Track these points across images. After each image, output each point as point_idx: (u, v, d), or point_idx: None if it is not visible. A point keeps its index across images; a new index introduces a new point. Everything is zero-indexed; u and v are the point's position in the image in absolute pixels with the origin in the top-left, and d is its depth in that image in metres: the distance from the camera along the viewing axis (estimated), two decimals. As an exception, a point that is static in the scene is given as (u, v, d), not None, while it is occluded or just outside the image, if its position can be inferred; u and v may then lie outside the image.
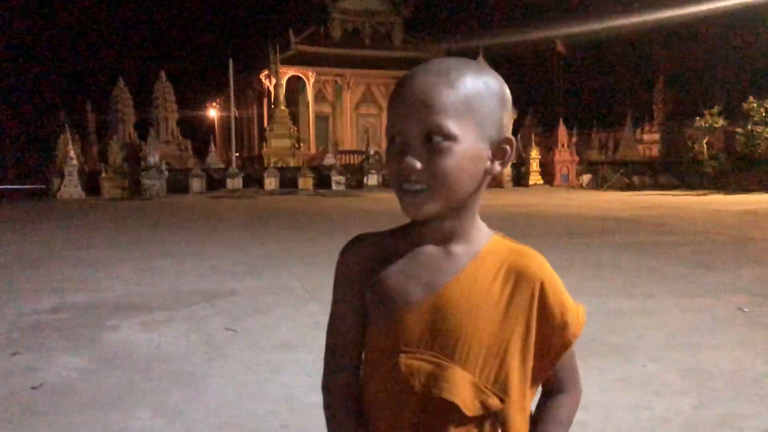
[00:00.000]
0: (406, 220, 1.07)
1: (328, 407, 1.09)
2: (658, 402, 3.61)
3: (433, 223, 1.01)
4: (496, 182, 32.92)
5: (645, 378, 4.02)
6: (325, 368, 1.12)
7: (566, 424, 1.10)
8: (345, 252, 1.09)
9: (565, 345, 1.05)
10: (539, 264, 1.03)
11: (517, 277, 1.01)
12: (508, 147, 1.01)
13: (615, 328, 5.18)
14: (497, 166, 1.00)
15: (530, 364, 1.03)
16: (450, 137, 0.95)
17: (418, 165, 0.95)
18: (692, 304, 5.98)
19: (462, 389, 0.97)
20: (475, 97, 0.96)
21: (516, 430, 1.02)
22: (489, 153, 0.99)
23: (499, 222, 14.70)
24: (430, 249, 1.02)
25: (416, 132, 0.95)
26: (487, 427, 1.00)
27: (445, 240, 1.02)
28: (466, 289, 1.00)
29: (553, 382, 1.11)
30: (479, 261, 1.02)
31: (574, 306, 1.06)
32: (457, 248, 1.02)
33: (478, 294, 1.00)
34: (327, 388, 1.10)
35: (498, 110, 0.99)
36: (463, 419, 0.98)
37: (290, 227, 13.71)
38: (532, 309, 1.01)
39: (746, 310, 5.70)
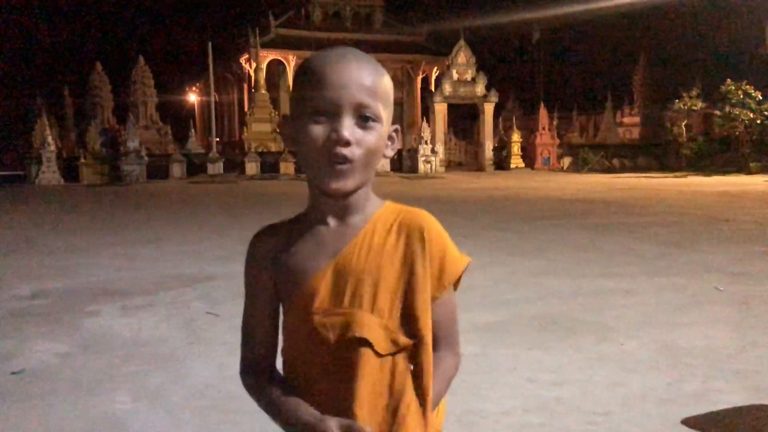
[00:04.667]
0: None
1: (267, 401, 1.12)
2: (634, 379, 3.68)
3: (336, 199, 1.09)
4: (478, 166, 32.59)
5: (622, 355, 4.09)
6: (243, 363, 1.18)
7: (446, 380, 1.16)
8: (252, 244, 1.16)
9: (440, 288, 1.12)
10: (424, 217, 1.13)
11: (408, 229, 1.11)
12: (394, 134, 1.13)
13: (593, 307, 5.25)
14: (389, 150, 1.12)
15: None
16: (378, 119, 1.06)
17: (352, 138, 1.03)
18: (668, 284, 6.07)
19: (373, 330, 1.05)
20: (390, 88, 1.10)
21: (428, 363, 1.09)
22: (386, 138, 1.11)
23: (480, 205, 14.74)
24: (331, 222, 1.12)
25: (349, 110, 1.03)
26: (399, 362, 1.07)
27: (344, 213, 1.11)
28: (363, 247, 1.09)
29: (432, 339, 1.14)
30: (372, 223, 1.12)
31: (457, 256, 1.14)
32: (354, 218, 1.12)
33: (375, 250, 1.09)
34: (252, 384, 1.15)
35: (392, 104, 1.12)
36: (376, 360, 1.05)
37: (271, 212, 13.67)
38: (425, 254, 1.10)
39: (721, 288, 5.80)
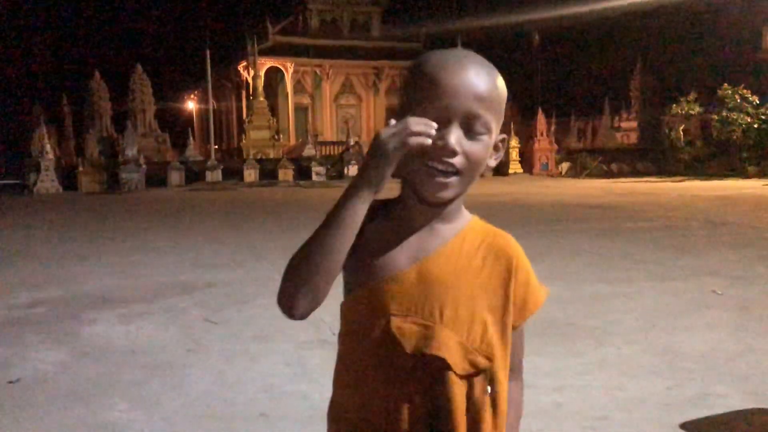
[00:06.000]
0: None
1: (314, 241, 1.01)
2: (633, 383, 3.67)
3: (429, 205, 1.06)
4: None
5: (620, 360, 4.08)
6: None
7: (519, 409, 1.18)
8: None
9: (520, 318, 1.11)
10: (513, 245, 1.12)
11: (495, 254, 1.09)
12: (500, 144, 1.09)
13: (591, 312, 5.24)
14: (492, 161, 1.08)
15: (509, 330, 1.09)
16: (487, 130, 1.02)
17: (459, 148, 1.00)
18: (667, 288, 6.06)
19: (451, 348, 1.02)
20: (504, 97, 1.05)
21: (503, 388, 1.08)
22: (492, 148, 1.07)
23: (480, 211, 14.63)
24: (417, 226, 1.08)
25: (459, 118, 1.00)
26: (476, 385, 1.04)
27: (433, 219, 1.08)
28: (450, 260, 1.06)
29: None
30: (461, 238, 1.09)
31: (537, 286, 1.13)
32: (442, 227, 1.08)
33: (461, 265, 1.07)
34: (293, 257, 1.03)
35: (504, 111, 1.08)
36: (453, 378, 1.02)
37: (270, 219, 13.65)
38: (510, 282, 1.09)
39: (720, 292, 5.79)
